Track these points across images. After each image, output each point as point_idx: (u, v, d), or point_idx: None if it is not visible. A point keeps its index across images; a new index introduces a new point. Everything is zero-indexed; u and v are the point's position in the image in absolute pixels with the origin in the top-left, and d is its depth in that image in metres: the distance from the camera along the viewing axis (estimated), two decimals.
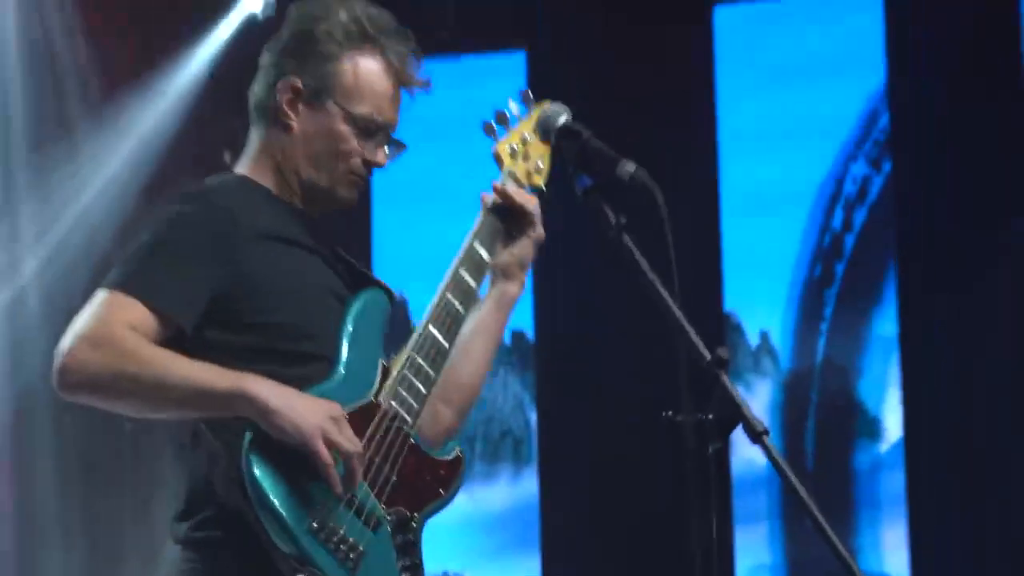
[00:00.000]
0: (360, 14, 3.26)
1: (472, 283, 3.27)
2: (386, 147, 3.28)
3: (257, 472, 2.95)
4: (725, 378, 2.92)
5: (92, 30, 7.22)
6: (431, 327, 3.22)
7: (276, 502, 2.96)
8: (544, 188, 3.46)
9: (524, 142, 3.45)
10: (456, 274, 3.26)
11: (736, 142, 7.58)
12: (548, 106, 3.43)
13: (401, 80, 3.27)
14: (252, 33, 7.41)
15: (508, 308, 3.39)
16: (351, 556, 3.02)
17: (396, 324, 3.36)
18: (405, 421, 3.15)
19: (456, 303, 3.25)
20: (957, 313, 7.18)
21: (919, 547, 7.21)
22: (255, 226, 3.14)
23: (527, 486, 7.77)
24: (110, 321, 3.00)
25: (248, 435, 2.96)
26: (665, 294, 3.06)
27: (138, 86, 7.36)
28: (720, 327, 7.41)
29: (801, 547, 7.29)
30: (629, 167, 3.08)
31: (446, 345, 3.23)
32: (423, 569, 3.18)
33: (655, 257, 3.05)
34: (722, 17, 7.60)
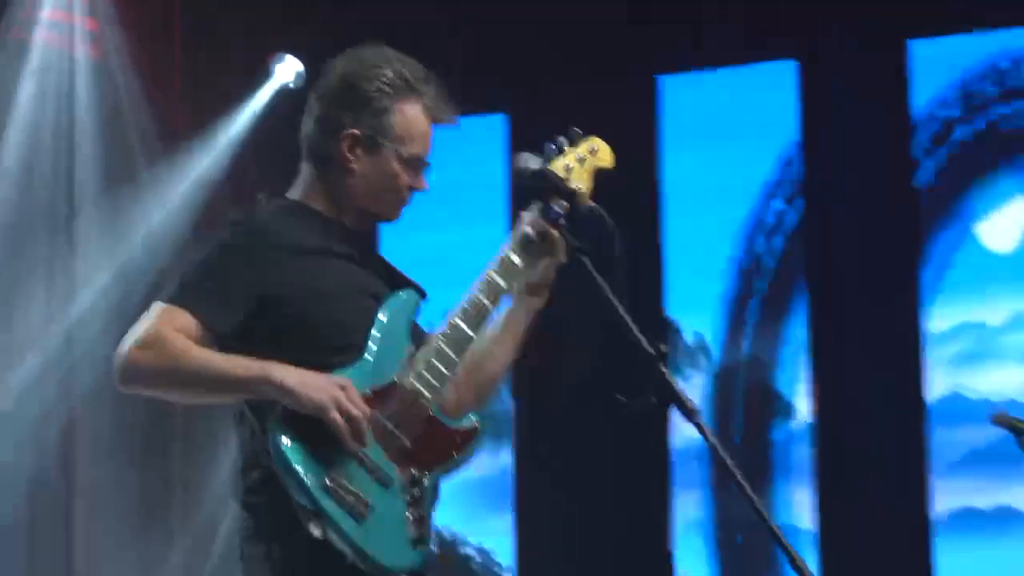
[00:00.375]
0: (402, 69, 3.29)
1: (503, 284, 3.26)
2: (423, 179, 3.34)
3: (280, 441, 3.01)
4: (665, 369, 3.08)
5: (152, 97, 7.30)
6: (458, 319, 3.22)
7: (295, 464, 2.99)
8: (591, 206, 3.39)
9: (568, 169, 3.39)
10: (489, 275, 3.25)
11: (678, 186, 7.68)
12: (593, 141, 3.46)
13: (436, 120, 3.33)
14: (285, 99, 7.44)
15: (531, 319, 3.38)
16: (360, 508, 3.02)
17: None
18: (424, 397, 3.15)
19: (485, 300, 3.24)
20: (854, 320, 7.31)
21: (823, 506, 7.25)
22: (299, 243, 3.20)
23: (504, 458, 7.46)
24: (161, 327, 3.08)
25: (274, 413, 3.04)
26: (617, 303, 3.16)
27: (190, 142, 7.42)
28: (662, 329, 7.38)
29: (728, 506, 7.31)
30: (590, 204, 3.23)
31: (471, 335, 3.21)
32: (429, 521, 3.16)
33: (610, 272, 3.19)
34: (666, 84, 7.63)
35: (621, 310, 3.18)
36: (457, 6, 7.61)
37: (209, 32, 7.64)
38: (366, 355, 3.19)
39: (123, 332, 7.33)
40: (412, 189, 3.34)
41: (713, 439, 3.10)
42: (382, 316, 3.24)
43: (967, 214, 7.45)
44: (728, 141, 7.69)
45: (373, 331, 3.22)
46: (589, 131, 3.46)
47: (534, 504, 7.43)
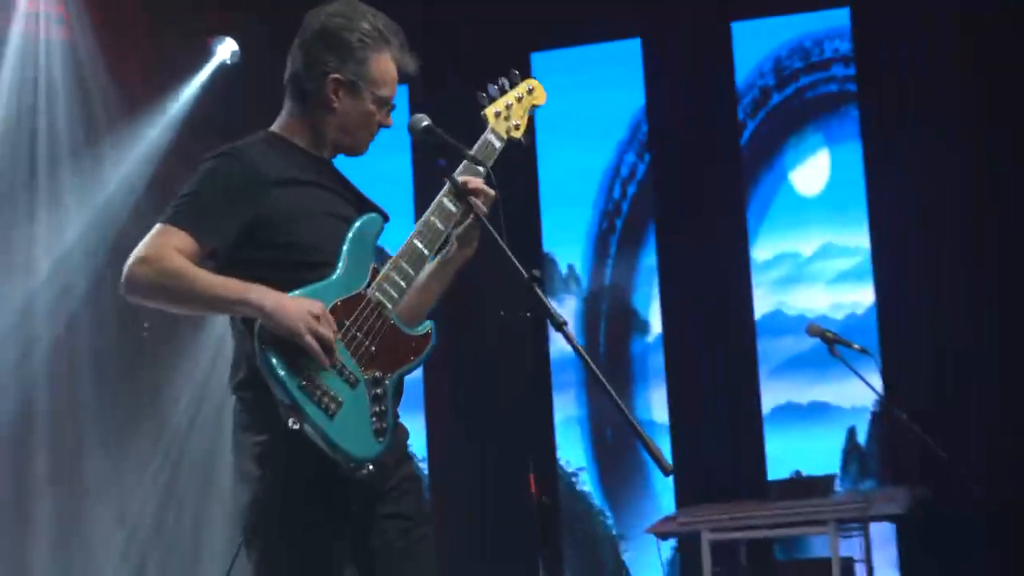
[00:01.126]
0: (376, 22, 3.22)
1: (428, 242, 3.15)
2: (389, 116, 3.26)
3: (264, 346, 2.94)
4: (538, 289, 3.02)
5: (113, 73, 7.10)
6: (416, 240, 3.14)
7: (276, 367, 2.93)
8: (522, 140, 3.38)
9: (508, 107, 3.35)
10: (439, 203, 3.16)
11: (549, 145, 7.48)
12: (530, 82, 3.40)
13: (401, 67, 3.24)
14: (223, 73, 7.36)
15: (460, 265, 3.28)
16: (331, 405, 2.95)
17: None
18: (385, 307, 3.08)
19: (439, 223, 3.16)
20: (694, 252, 7.28)
21: (673, 403, 7.27)
22: (276, 173, 3.12)
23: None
24: (159, 245, 3.00)
25: (258, 326, 2.95)
26: (498, 237, 3.12)
27: (145, 109, 7.24)
28: (541, 261, 7.37)
29: (597, 404, 7.33)
30: (469, 153, 3.15)
31: (426, 252, 3.15)
32: (390, 414, 3.06)
33: (495, 212, 3.16)
34: (536, 59, 7.43)
35: (501, 242, 3.13)
36: None
37: (160, 17, 7.43)
38: (337, 271, 3.10)
39: (96, 271, 7.20)
40: (380, 126, 3.26)
41: (579, 346, 3.03)
42: (351, 237, 3.15)
43: (782, 165, 7.45)
44: (589, 108, 7.56)
45: (343, 250, 3.12)
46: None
47: (440, 405, 7.38)
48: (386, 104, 3.24)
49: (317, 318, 2.95)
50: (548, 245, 7.63)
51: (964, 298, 6.75)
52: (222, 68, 7.41)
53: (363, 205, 3.26)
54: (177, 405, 7.41)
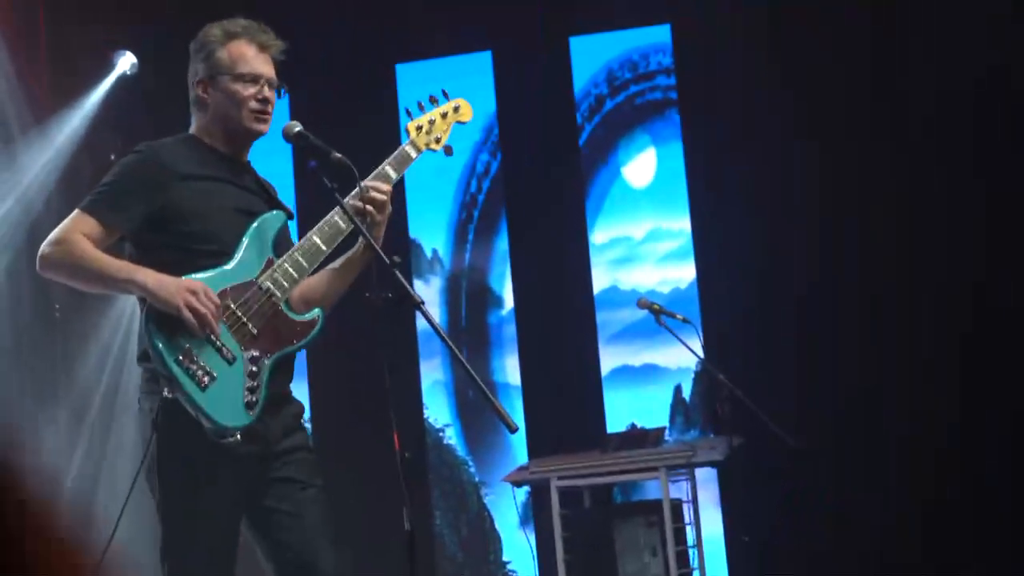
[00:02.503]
0: (225, 24, 3.19)
1: (324, 241, 3.10)
2: (271, 91, 3.17)
3: (149, 323, 2.91)
4: (397, 273, 2.97)
5: (24, 80, 6.88)
6: (316, 236, 3.10)
7: (157, 342, 2.89)
8: (445, 151, 3.33)
9: (431, 122, 3.31)
10: (329, 225, 3.11)
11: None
12: (458, 101, 3.38)
13: (261, 46, 3.18)
14: (123, 84, 7.23)
15: (364, 264, 3.19)
16: (205, 378, 2.89)
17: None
18: (275, 294, 3.02)
19: (341, 223, 3.10)
20: (540, 238, 7.29)
21: (524, 369, 7.23)
22: (183, 169, 3.06)
23: None
24: (69, 230, 2.97)
25: (147, 305, 2.92)
26: (361, 227, 3.06)
27: (54, 115, 7.07)
28: (407, 246, 7.29)
29: (459, 370, 7.22)
30: (336, 155, 3.04)
31: (325, 248, 3.10)
32: (263, 389, 2.99)
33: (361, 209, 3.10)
34: (401, 70, 7.44)
35: (364, 232, 3.08)
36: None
37: (64, 31, 7.24)
38: (233, 261, 3.04)
39: (13, 259, 6.90)
40: (258, 100, 3.16)
41: (435, 321, 2.99)
42: (251, 230, 3.10)
43: (615, 161, 7.41)
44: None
45: (242, 241, 3.06)
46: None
47: (322, 375, 7.24)
48: (250, 79, 3.16)
49: (195, 294, 2.90)
50: (414, 233, 7.52)
51: (772, 272, 6.79)
52: (122, 78, 7.27)
53: (272, 202, 3.21)
54: (86, 375, 7.25)
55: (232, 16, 3.29)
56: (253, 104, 3.16)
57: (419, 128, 3.31)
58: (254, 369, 2.99)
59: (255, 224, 3.10)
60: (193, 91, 3.19)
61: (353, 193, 3.12)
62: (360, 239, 3.17)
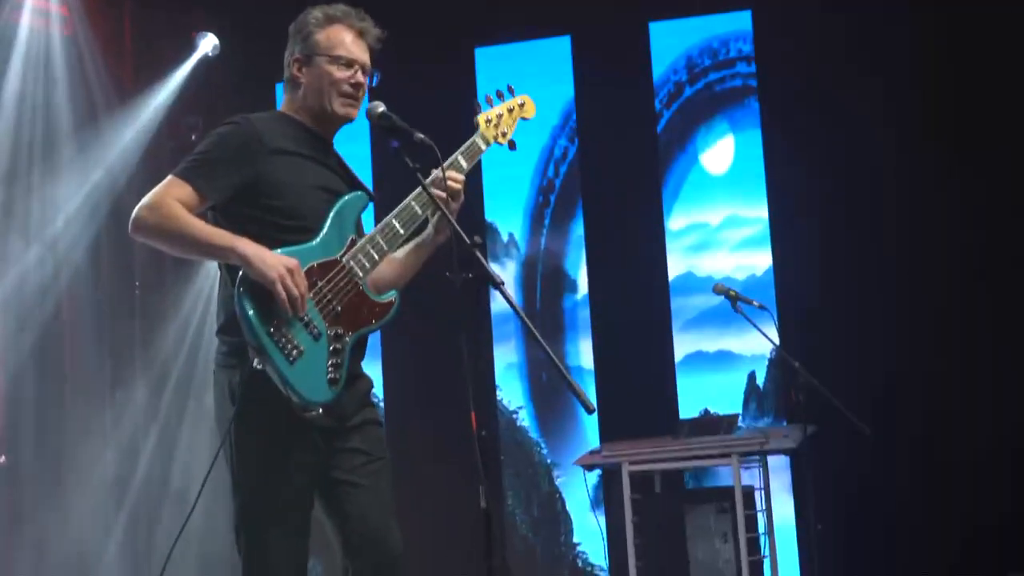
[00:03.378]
0: (326, 9, 3.22)
1: (404, 223, 3.12)
2: (364, 76, 3.20)
3: (242, 293, 2.89)
4: (479, 253, 2.96)
5: (108, 63, 7.05)
6: (394, 220, 3.12)
7: (249, 312, 2.88)
8: (509, 145, 3.36)
9: (499, 116, 3.34)
10: (407, 209, 3.13)
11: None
12: (523, 97, 3.39)
13: (359, 32, 3.21)
14: (205, 65, 7.24)
15: (433, 249, 3.25)
16: (293, 352, 2.90)
17: None
18: (356, 273, 3.04)
19: (417, 208, 3.13)
20: (617, 223, 7.28)
21: (598, 353, 7.22)
22: (275, 143, 3.07)
23: None
24: (165, 194, 2.96)
25: (240, 274, 2.91)
26: (443, 208, 3.08)
27: (136, 97, 7.17)
28: (483, 230, 7.33)
29: (533, 352, 7.30)
30: (419, 135, 3.04)
31: (402, 232, 3.12)
32: (345, 366, 3.01)
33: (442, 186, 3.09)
34: (480, 54, 7.48)
35: (446, 212, 3.08)
36: None
37: (149, 14, 7.36)
38: (318, 238, 3.05)
39: (96, 233, 7.12)
40: (350, 84, 3.19)
41: (514, 302, 2.96)
42: (335, 209, 3.11)
43: (693, 148, 7.36)
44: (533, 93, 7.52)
45: (327, 220, 3.07)
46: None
47: (396, 356, 7.28)
48: (345, 63, 3.18)
49: (291, 272, 2.90)
50: (491, 216, 7.53)
51: (847, 262, 6.71)
52: (204, 60, 7.30)
53: (353, 184, 3.22)
54: (165, 350, 7.35)
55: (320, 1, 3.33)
56: (346, 87, 3.18)
57: (488, 121, 3.32)
58: (338, 347, 3.00)
59: (338, 204, 3.11)
60: (288, 69, 3.21)
61: (429, 180, 3.12)
62: (430, 225, 3.20)
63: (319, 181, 3.14)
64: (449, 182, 3.14)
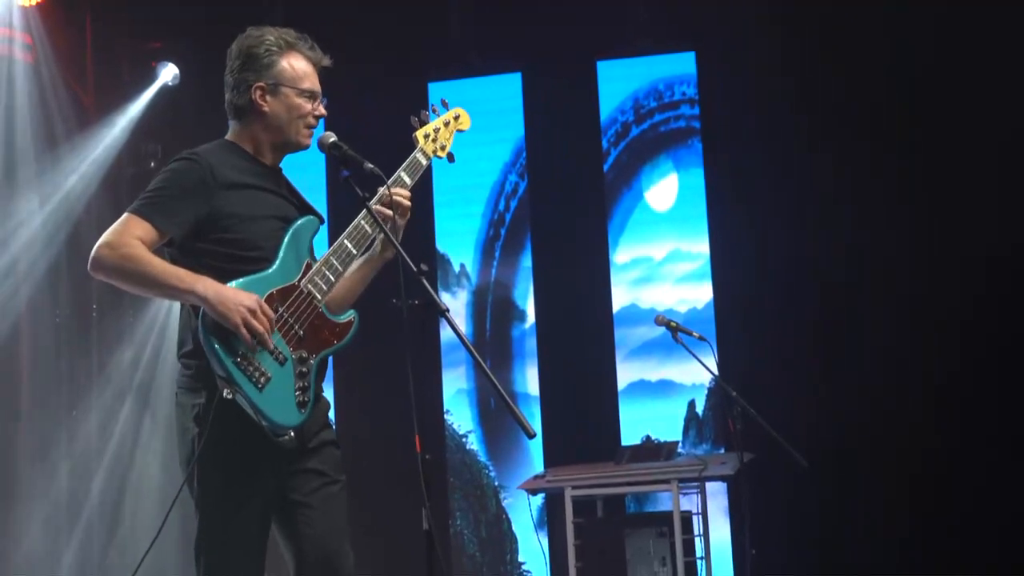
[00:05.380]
0: (279, 34, 3.14)
1: (354, 245, 3.09)
2: (321, 107, 3.16)
3: (206, 327, 2.86)
4: (425, 281, 2.95)
5: (70, 89, 7.01)
6: (347, 240, 3.08)
7: (216, 346, 2.85)
8: (448, 158, 3.33)
9: (436, 131, 3.30)
10: (358, 230, 3.10)
11: (446, 164, 7.60)
12: (457, 110, 3.36)
13: (315, 63, 3.15)
14: (165, 94, 7.24)
15: (380, 264, 3.20)
16: (262, 379, 2.88)
17: None
18: (315, 296, 3.01)
19: (368, 227, 3.09)
20: (563, 256, 7.33)
21: (544, 379, 7.25)
22: (227, 178, 3.02)
23: None
24: (123, 232, 2.90)
25: (201, 310, 2.87)
26: (391, 237, 3.06)
27: (97, 122, 7.14)
28: (435, 260, 7.36)
29: (482, 379, 7.23)
30: (368, 165, 3.02)
31: (355, 252, 3.08)
32: (312, 388, 2.99)
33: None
34: (433, 88, 7.41)
35: (394, 241, 3.06)
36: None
37: (110, 43, 7.37)
38: (274, 265, 3.01)
39: (54, 257, 7.00)
40: (314, 116, 3.16)
41: (459, 328, 2.96)
42: (288, 235, 3.07)
43: (639, 186, 7.42)
44: (479, 133, 7.46)
45: (281, 246, 3.04)
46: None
47: (347, 378, 7.20)
48: (310, 95, 3.14)
49: (253, 312, 2.87)
50: (443, 248, 7.54)
51: (785, 296, 6.78)
52: (165, 88, 7.30)
53: (303, 208, 3.18)
54: (120, 373, 7.29)
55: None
56: (311, 120, 3.15)
57: (426, 136, 3.28)
58: (303, 370, 2.98)
59: (292, 229, 3.08)
60: (245, 96, 3.10)
61: (375, 199, 3.10)
62: (377, 241, 3.17)
63: (271, 210, 3.10)
64: (396, 198, 3.12)
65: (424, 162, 3.27)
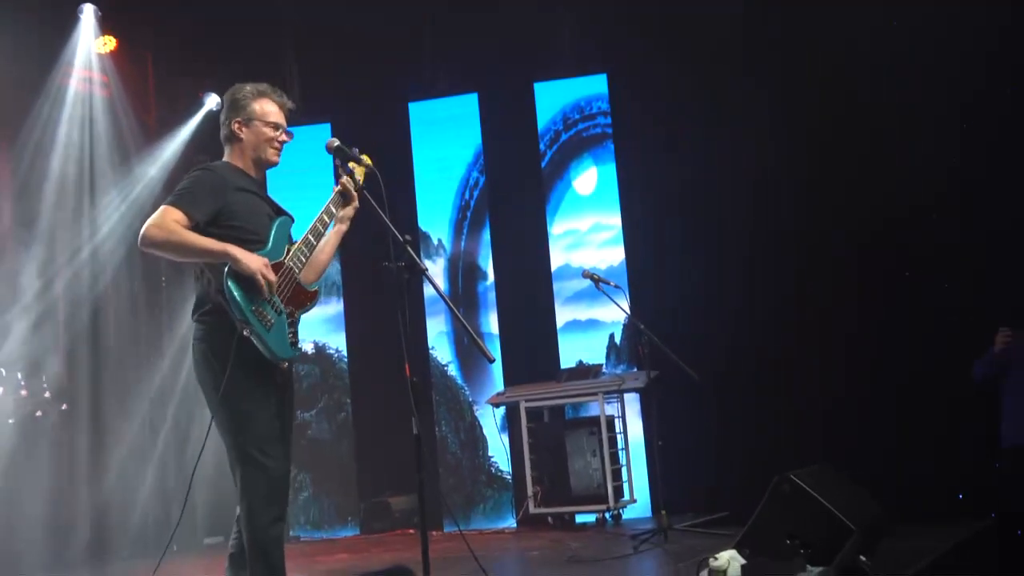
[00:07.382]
0: (255, 86, 3.19)
1: (327, 220, 3.17)
2: (286, 135, 3.20)
3: (231, 283, 2.89)
4: (409, 248, 3.02)
5: (138, 117, 6.99)
6: (309, 234, 3.15)
7: (236, 295, 2.89)
8: (368, 173, 3.26)
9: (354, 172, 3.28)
10: (325, 210, 3.17)
11: (425, 162, 7.46)
12: (365, 165, 3.28)
13: (280, 105, 3.21)
14: (211, 119, 7.02)
15: (342, 235, 3.23)
16: (268, 323, 2.93)
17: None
18: (294, 271, 3.07)
19: (320, 227, 3.16)
20: (510, 231, 7.27)
21: (502, 322, 7.18)
22: (234, 183, 3.08)
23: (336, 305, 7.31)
24: (165, 217, 2.94)
25: (227, 268, 2.90)
26: (384, 216, 3.08)
27: (160, 141, 7.13)
28: (417, 234, 7.28)
29: (456, 323, 7.17)
30: (367, 161, 3.09)
31: (315, 242, 3.14)
32: (297, 334, 3.05)
33: (383, 202, 3.10)
34: (413, 108, 7.44)
35: (385, 219, 3.09)
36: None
37: (168, 80, 7.33)
38: (267, 247, 3.09)
39: (127, 248, 6.89)
40: (279, 141, 3.21)
41: (437, 284, 3.07)
42: (274, 226, 3.15)
43: (568, 177, 7.37)
44: (448, 141, 7.48)
45: (271, 234, 3.13)
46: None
47: (355, 326, 7.11)
48: (274, 125, 3.20)
49: (266, 266, 2.96)
50: (424, 226, 7.47)
51: (680, 254, 6.77)
52: (209, 113, 7.24)
53: (279, 210, 3.23)
54: (183, 327, 7.22)
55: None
56: (276, 143, 3.20)
57: (355, 174, 3.30)
58: (292, 320, 3.05)
59: (276, 223, 3.15)
60: (227, 128, 3.19)
61: (335, 190, 3.18)
62: (337, 219, 3.22)
63: (262, 209, 3.16)
64: (347, 184, 3.22)
65: (359, 179, 3.28)
